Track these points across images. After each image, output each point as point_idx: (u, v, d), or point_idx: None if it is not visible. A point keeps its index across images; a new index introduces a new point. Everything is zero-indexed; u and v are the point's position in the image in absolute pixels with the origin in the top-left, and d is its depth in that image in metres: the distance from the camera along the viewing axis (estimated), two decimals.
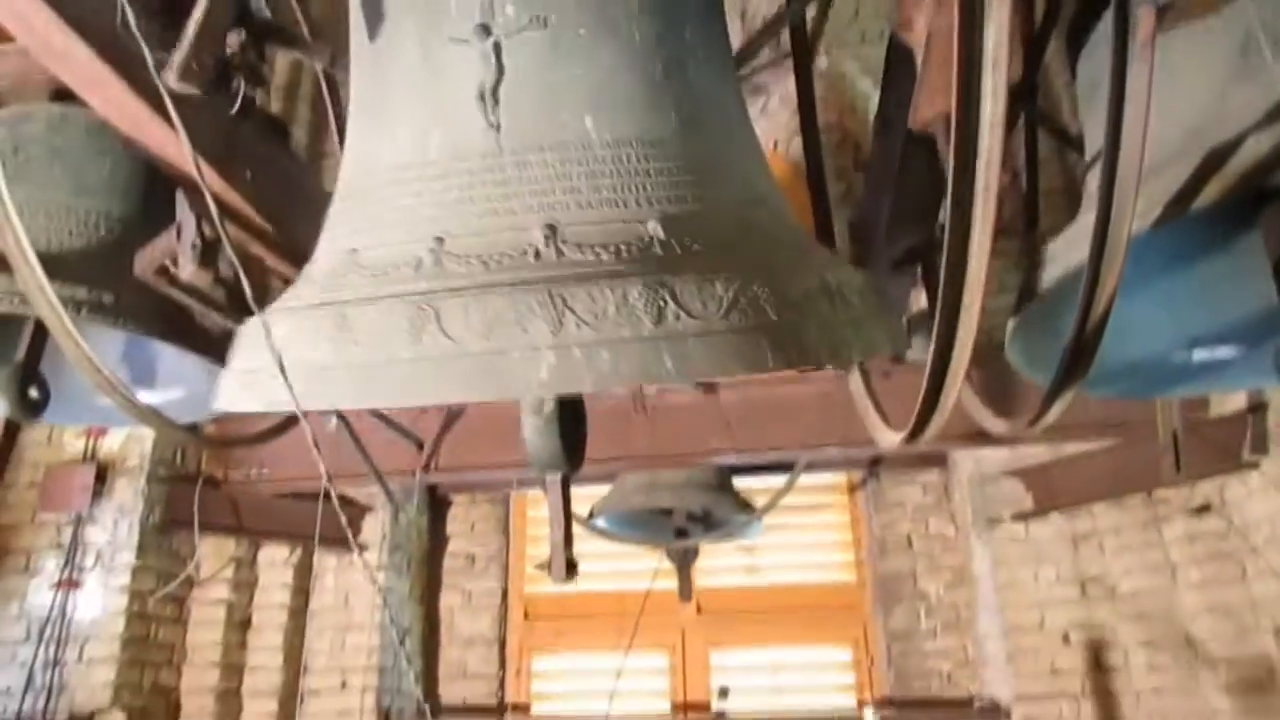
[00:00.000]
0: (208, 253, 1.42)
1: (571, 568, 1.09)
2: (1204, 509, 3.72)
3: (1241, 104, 1.16)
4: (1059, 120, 4.09)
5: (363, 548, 4.82)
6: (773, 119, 4.73)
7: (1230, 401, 3.55)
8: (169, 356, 2.06)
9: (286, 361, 0.88)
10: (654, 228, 0.95)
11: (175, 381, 2.11)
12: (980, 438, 3.56)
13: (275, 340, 0.91)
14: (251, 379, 0.96)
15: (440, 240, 0.94)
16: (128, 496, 4.25)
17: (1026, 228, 2.30)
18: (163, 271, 1.53)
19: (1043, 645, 4.16)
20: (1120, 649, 4.03)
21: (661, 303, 0.85)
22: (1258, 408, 3.43)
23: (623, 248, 0.93)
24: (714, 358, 0.86)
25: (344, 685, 4.62)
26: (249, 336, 0.99)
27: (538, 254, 0.92)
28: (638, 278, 0.87)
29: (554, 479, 1.13)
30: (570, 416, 1.09)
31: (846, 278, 1.01)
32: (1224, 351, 1.71)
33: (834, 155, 4.72)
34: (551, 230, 0.93)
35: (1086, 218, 1.19)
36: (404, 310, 0.88)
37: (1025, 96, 1.95)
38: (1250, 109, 1.15)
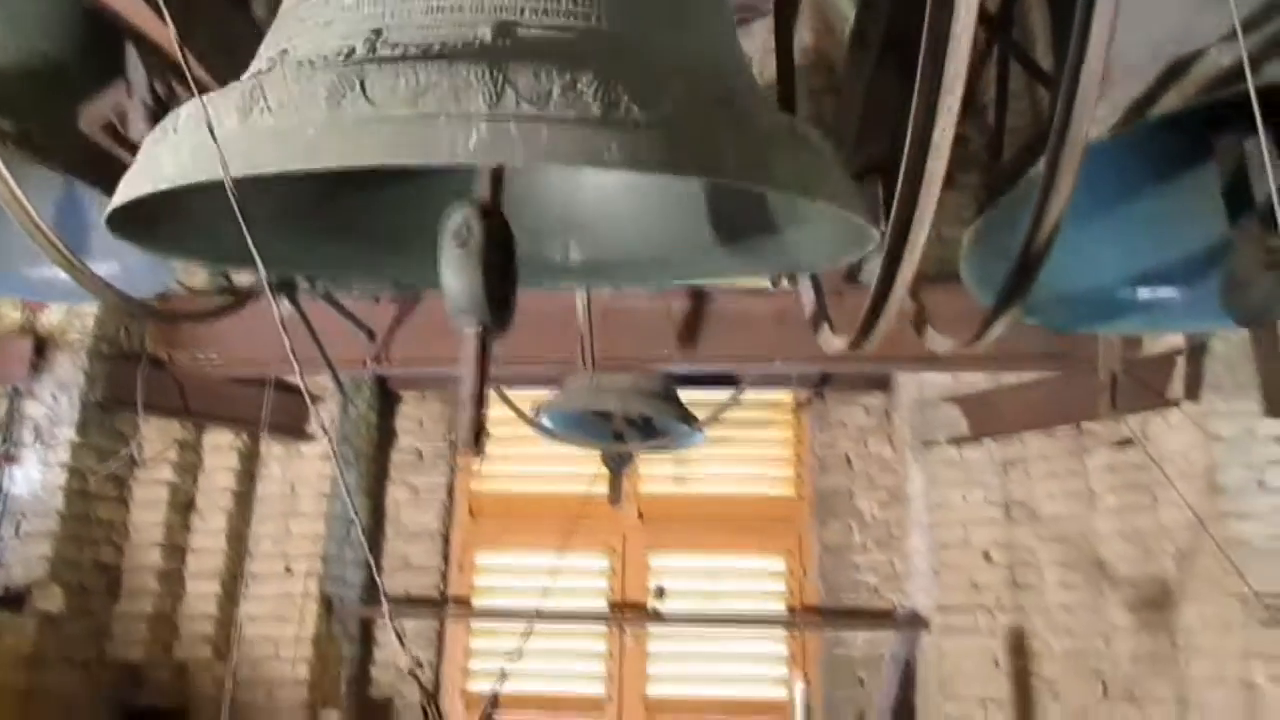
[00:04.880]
0: (160, 112, 1.38)
1: (480, 436, 0.92)
2: (1126, 442, 3.87)
3: (1209, 21, 1.18)
4: (1032, 55, 4.08)
5: (310, 437, 4.81)
6: (752, 37, 4.65)
7: (1162, 340, 3.68)
8: (104, 232, 1.97)
9: (186, 142, 0.82)
10: (609, 25, 0.91)
11: (110, 256, 1.90)
12: (924, 360, 3.65)
13: (179, 120, 0.85)
14: (154, 157, 0.89)
15: (377, 33, 0.88)
16: (68, 372, 4.16)
17: (990, 161, 2.32)
18: (109, 128, 1.48)
19: (965, 562, 4.36)
20: (1036, 568, 4.24)
21: (613, 94, 0.79)
22: (1198, 349, 3.54)
23: (576, 41, 0.89)
24: (662, 153, 0.81)
25: (288, 571, 4.68)
26: (153, 133, 0.92)
27: (483, 44, 0.86)
28: (589, 68, 0.80)
29: (471, 331, 0.96)
30: (498, 259, 0.93)
31: (815, 135, 0.99)
32: (1167, 291, 1.73)
33: (807, 77, 4.67)
34: (503, 29, 0.87)
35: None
36: (324, 79, 0.81)
37: (1000, 27, 1.95)
38: (1216, 26, 1.17)
